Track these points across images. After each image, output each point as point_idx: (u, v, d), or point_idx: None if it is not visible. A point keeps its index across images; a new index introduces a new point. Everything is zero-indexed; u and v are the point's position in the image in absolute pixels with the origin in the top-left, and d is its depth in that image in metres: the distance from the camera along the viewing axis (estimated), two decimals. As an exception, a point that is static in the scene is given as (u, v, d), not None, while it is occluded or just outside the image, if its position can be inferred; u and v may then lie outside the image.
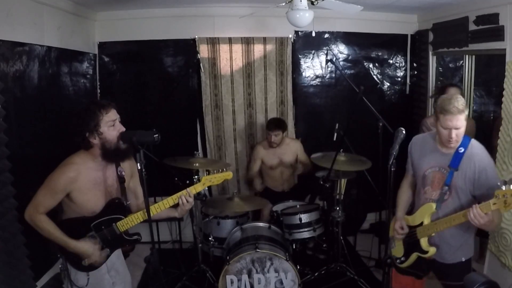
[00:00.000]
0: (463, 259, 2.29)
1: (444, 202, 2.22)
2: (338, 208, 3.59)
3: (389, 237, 2.51)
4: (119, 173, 2.20)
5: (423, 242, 2.29)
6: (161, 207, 2.20)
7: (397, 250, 2.46)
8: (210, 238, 3.44)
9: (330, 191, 3.67)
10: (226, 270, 3.01)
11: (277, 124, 3.98)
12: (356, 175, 3.69)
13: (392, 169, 2.02)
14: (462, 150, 2.17)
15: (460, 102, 2.10)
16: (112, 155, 2.08)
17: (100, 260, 2.16)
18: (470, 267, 2.35)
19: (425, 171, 2.31)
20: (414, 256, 2.37)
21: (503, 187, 1.86)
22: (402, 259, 2.39)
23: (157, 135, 2.01)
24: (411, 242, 2.37)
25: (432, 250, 2.27)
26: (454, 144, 2.18)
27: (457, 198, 2.20)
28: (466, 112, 2.13)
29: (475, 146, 2.21)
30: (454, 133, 2.12)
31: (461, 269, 2.28)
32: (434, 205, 2.23)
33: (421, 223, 2.30)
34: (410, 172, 2.50)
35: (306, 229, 3.44)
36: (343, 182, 3.61)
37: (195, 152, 3.55)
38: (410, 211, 2.47)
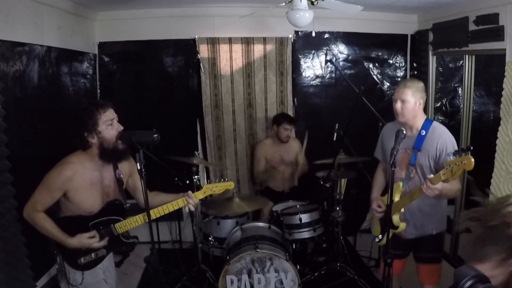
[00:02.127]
0: (434, 232, 2.50)
1: (411, 180, 2.43)
2: (338, 208, 3.59)
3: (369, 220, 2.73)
4: (117, 176, 2.20)
5: (395, 218, 2.42)
6: (161, 212, 2.21)
7: (375, 229, 2.66)
8: (210, 238, 3.44)
9: (330, 191, 3.67)
10: (226, 270, 3.01)
11: (290, 118, 4.07)
12: (356, 175, 3.68)
13: (393, 169, 2.06)
14: (423, 133, 2.40)
15: (411, 81, 2.44)
16: (109, 155, 2.09)
17: (100, 253, 2.17)
18: (442, 241, 2.59)
19: None
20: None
21: (450, 158, 2.03)
22: (380, 237, 2.53)
23: (156, 135, 2.01)
24: (386, 220, 2.47)
25: (402, 225, 2.44)
26: (401, 118, 2.41)
27: (422, 175, 2.39)
28: (415, 93, 2.36)
29: (437, 127, 2.42)
30: (399, 104, 2.38)
31: (432, 242, 2.52)
32: (401, 184, 2.43)
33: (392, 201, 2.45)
34: (381, 158, 2.76)
35: (306, 229, 3.44)
36: (343, 182, 3.61)
37: (195, 152, 3.55)
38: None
